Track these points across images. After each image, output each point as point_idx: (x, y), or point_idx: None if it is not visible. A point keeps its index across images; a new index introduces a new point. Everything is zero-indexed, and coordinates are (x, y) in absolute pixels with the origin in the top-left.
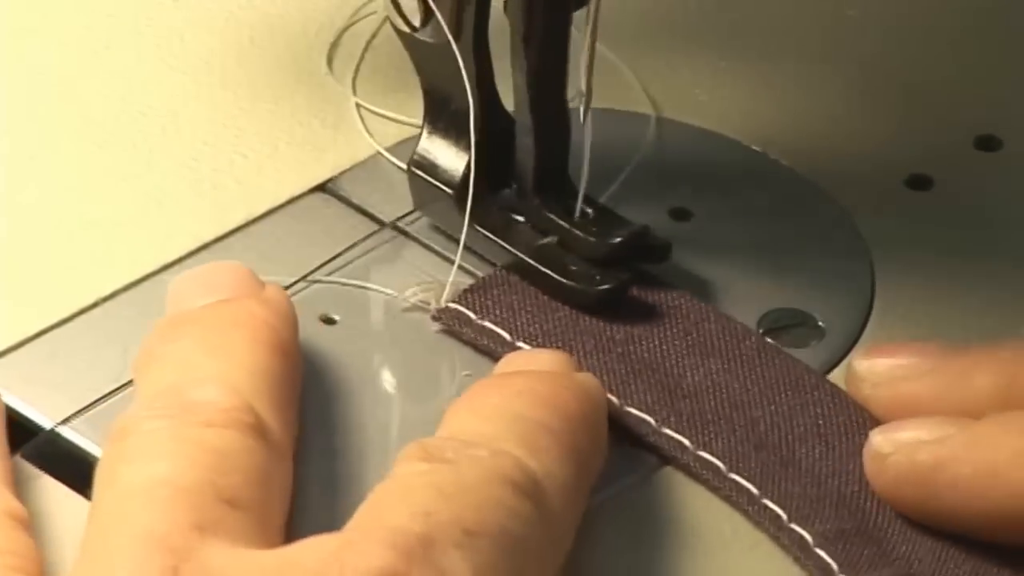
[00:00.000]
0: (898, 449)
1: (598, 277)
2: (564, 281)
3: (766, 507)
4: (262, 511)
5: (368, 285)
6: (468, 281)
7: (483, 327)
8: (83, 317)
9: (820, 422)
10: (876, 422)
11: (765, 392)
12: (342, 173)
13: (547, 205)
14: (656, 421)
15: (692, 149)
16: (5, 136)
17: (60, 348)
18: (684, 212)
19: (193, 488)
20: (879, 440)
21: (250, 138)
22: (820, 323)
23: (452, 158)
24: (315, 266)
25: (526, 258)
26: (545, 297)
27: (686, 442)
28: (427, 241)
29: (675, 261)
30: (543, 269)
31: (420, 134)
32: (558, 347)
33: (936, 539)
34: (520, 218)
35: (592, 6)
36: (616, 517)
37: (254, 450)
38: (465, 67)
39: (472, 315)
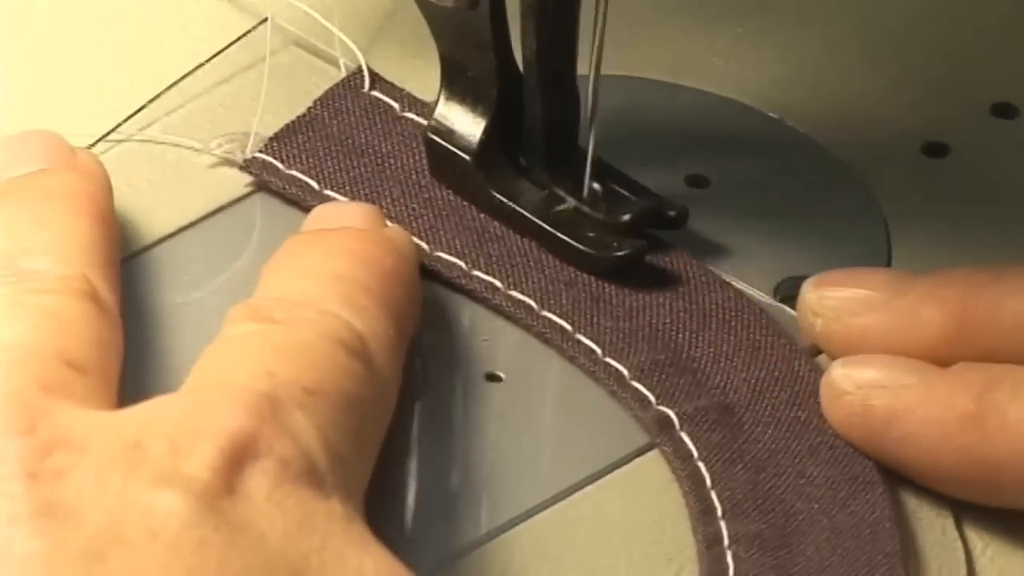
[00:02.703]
0: (855, 389)
1: (615, 244)
2: (581, 248)
3: (580, 342)
4: (103, 375)
5: (174, 140)
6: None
7: (291, 176)
8: None
9: None
10: (688, 261)
11: None
12: None
13: (556, 179)
14: (467, 264)
15: (709, 116)
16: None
17: None
18: (701, 179)
19: (38, 351)
20: (839, 375)
21: None
22: None
23: (469, 124)
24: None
25: (543, 224)
26: (350, 142)
27: (497, 283)
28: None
29: (691, 227)
30: (560, 235)
31: (436, 100)
32: (365, 194)
33: (751, 369)
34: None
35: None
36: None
37: (92, 316)
38: (483, 34)
39: (279, 164)
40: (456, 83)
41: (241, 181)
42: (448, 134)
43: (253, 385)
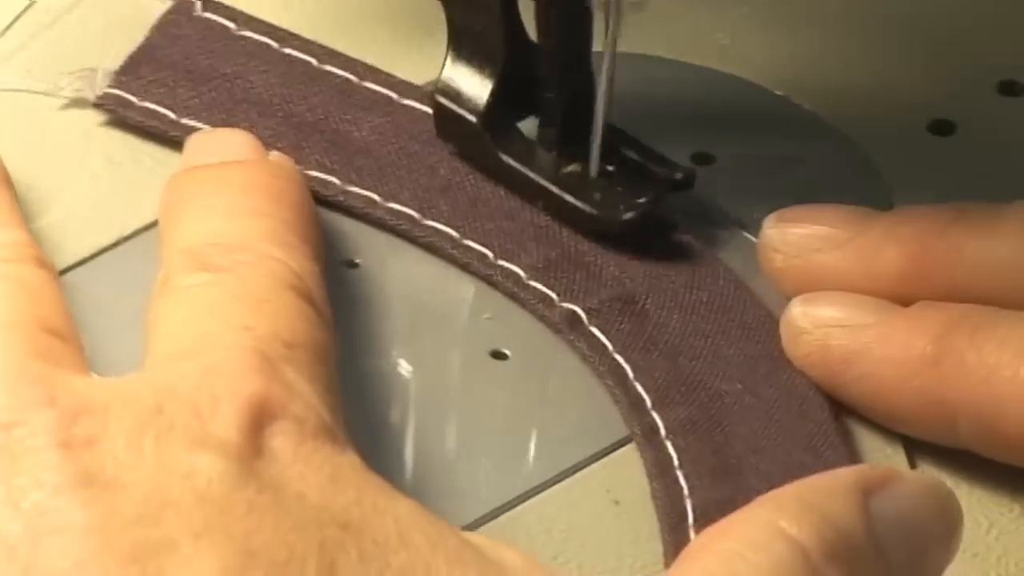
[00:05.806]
0: (814, 329)
1: (621, 206)
2: (588, 210)
3: (470, 248)
4: (76, 340)
5: (20, 86)
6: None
7: (145, 108)
8: None
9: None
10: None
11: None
12: None
13: (570, 159)
14: (340, 180)
15: (714, 93)
16: None
17: None
18: (706, 156)
19: (19, 322)
20: (798, 313)
21: None
22: None
23: (476, 86)
24: None
25: (550, 186)
26: (195, 67)
27: (375, 197)
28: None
29: (696, 204)
30: (567, 197)
31: (444, 62)
32: (222, 119)
33: (643, 260)
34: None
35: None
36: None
37: (49, 281)
38: None
39: (132, 98)
40: (463, 45)
41: (96, 119)
42: (455, 96)
43: (243, 342)
